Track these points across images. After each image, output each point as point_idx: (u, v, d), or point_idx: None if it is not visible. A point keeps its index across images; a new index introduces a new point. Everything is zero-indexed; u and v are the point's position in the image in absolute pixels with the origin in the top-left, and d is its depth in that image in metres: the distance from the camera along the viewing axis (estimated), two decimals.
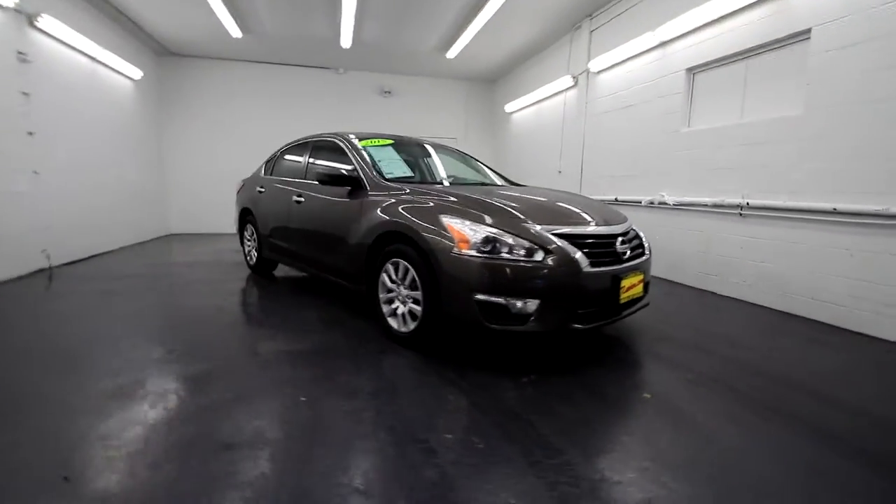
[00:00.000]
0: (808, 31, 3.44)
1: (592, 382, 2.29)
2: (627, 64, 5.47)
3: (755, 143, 3.91)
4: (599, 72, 6.02)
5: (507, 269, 2.25)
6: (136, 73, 6.75)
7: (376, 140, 3.68)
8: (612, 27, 5.75)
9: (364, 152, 3.39)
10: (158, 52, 7.84)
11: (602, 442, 1.77)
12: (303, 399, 2.02)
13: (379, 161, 3.34)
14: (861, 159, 3.13)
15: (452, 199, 2.64)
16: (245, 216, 4.91)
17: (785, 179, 3.65)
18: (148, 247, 6.85)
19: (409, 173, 3.44)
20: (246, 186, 5.02)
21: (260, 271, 4.78)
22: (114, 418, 1.80)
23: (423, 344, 2.62)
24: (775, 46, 3.76)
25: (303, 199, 3.72)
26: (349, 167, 3.31)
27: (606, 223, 2.64)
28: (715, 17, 4.20)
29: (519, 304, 2.26)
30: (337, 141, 3.67)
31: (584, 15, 6.23)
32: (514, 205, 2.57)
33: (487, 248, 2.29)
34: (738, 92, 4.16)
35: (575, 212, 2.71)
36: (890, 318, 2.94)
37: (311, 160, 3.96)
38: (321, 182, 3.29)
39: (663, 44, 4.88)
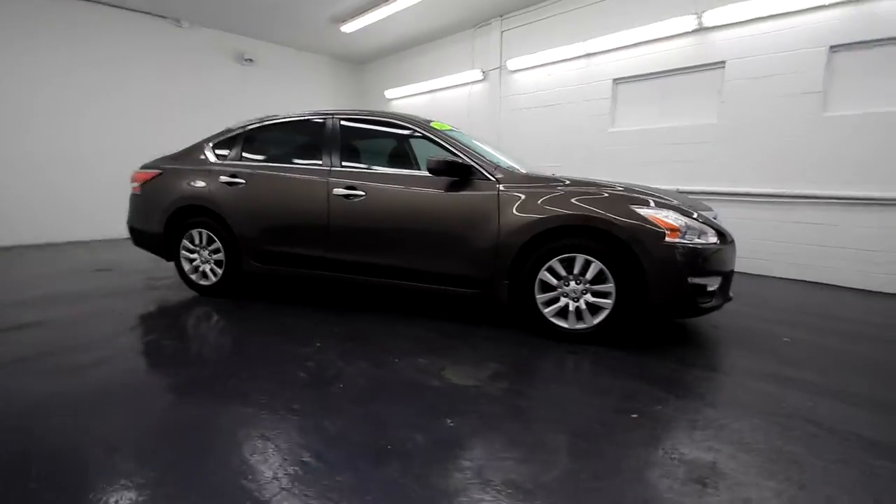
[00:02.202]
0: (724, 62, 4.72)
1: (766, 341, 2.78)
2: (550, 68, 6.15)
3: (678, 143, 5.11)
4: (517, 70, 6.53)
5: (710, 253, 2.48)
6: None
7: (439, 123, 3.21)
8: (528, 31, 6.32)
9: (460, 137, 2.96)
10: None
11: None
12: (634, 416, 1.82)
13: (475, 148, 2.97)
14: (763, 158, 4.56)
15: (613, 188, 2.63)
16: (185, 219, 3.45)
17: (705, 171, 4.94)
18: None
19: (502, 160, 3.15)
20: (174, 177, 3.51)
21: (220, 292, 3.47)
22: None
23: (606, 338, 2.58)
24: (694, 70, 4.98)
25: (362, 194, 2.94)
26: (450, 154, 2.83)
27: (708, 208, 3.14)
28: (641, 40, 5.21)
29: (712, 283, 2.53)
30: (403, 122, 3.07)
31: (494, 14, 6.60)
32: (664, 195, 2.77)
33: (690, 235, 2.45)
34: (658, 101, 5.31)
35: (689, 198, 3.11)
36: (797, 267, 4.44)
37: (355, 144, 3.16)
38: (433, 171, 2.71)
39: (589, 55, 5.72)
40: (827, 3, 4.05)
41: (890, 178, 3.91)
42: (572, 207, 2.54)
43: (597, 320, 2.56)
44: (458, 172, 2.74)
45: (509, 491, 1.34)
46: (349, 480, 1.38)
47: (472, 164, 2.78)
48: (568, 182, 2.70)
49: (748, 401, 1.97)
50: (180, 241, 3.48)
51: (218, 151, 3.50)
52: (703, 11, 4.67)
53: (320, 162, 3.16)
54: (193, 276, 3.51)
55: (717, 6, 4.60)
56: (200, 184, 3.38)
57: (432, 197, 2.81)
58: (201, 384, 2.06)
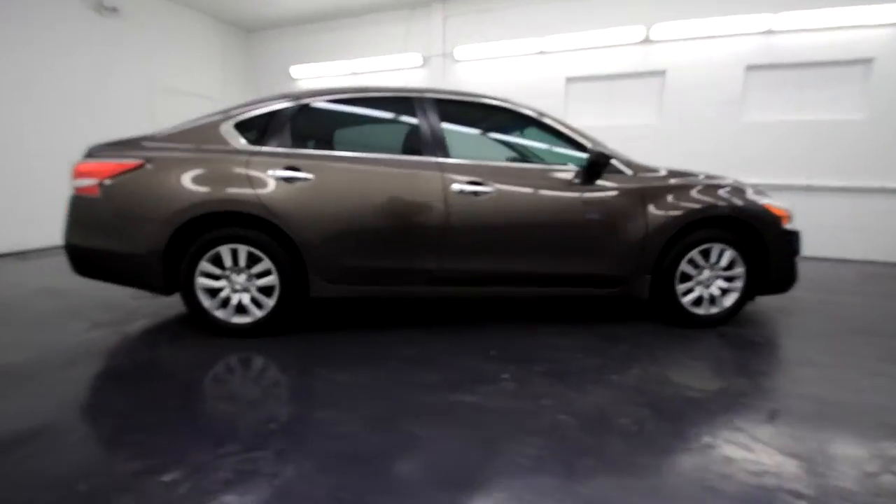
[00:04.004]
0: (664, 71, 5.49)
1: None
2: (504, 61, 6.17)
3: (625, 140, 5.76)
4: (465, 60, 6.36)
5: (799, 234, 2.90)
6: None
7: None
8: (476, 20, 6.21)
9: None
10: None
11: None
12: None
13: None
14: (697, 154, 5.50)
15: (712, 179, 2.82)
16: (201, 232, 2.37)
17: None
18: None
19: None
20: (174, 170, 2.37)
21: (265, 330, 2.50)
22: None
23: (732, 319, 2.79)
24: (639, 76, 5.66)
25: (490, 190, 2.48)
26: (599, 147, 2.66)
27: None
28: (594, 45, 5.67)
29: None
30: (514, 108, 2.72)
31: None
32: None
33: (790, 220, 2.83)
34: (606, 101, 5.87)
35: None
36: None
37: (462, 131, 2.66)
38: (594, 165, 2.54)
39: (543, 53, 5.95)
40: (746, 32, 5.09)
41: (787, 169, 5.19)
42: (702, 201, 2.65)
43: (728, 303, 2.75)
44: (604, 165, 2.58)
45: None
46: None
47: (613, 156, 2.64)
48: (665, 172, 2.82)
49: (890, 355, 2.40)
50: (194, 264, 2.38)
51: (246, 133, 2.49)
52: (651, 25, 5.34)
53: (421, 151, 2.55)
54: (219, 314, 2.45)
55: (661, 21, 5.31)
56: (234, 179, 2.36)
57: (584, 193, 2.59)
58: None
